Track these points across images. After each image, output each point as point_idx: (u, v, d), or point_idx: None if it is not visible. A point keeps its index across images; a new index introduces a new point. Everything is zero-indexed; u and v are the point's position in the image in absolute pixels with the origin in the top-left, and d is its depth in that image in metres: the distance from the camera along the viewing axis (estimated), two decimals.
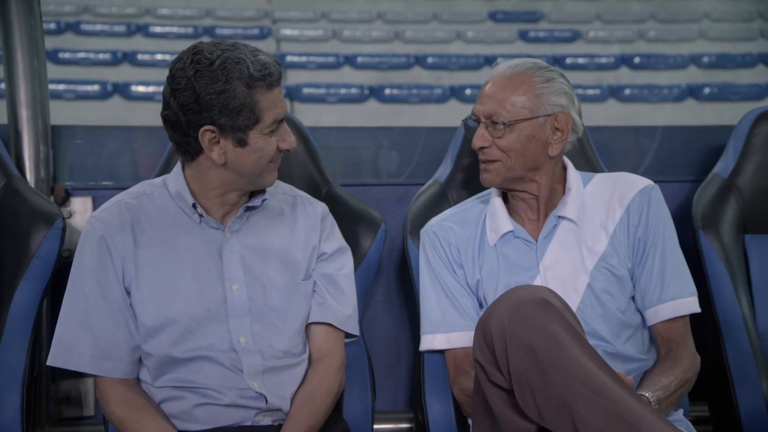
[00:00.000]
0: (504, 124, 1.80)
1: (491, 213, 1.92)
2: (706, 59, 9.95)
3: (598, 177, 1.94)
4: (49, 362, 1.71)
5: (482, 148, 1.83)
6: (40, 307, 1.93)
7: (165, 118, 1.65)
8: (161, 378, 1.70)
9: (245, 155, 1.65)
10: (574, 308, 1.79)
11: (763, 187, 2.23)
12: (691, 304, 1.85)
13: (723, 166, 2.28)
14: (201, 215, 1.72)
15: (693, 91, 9.54)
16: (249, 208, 1.76)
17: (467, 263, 1.90)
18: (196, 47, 1.63)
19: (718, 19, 10.48)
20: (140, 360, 1.72)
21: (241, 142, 1.63)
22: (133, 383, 1.72)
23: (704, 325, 2.00)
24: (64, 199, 2.30)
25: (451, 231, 1.93)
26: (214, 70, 1.59)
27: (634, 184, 1.89)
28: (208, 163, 1.67)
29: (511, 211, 1.91)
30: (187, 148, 1.66)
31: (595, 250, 1.85)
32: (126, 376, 1.70)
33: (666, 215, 1.88)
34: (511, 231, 1.88)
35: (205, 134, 1.62)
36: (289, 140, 1.70)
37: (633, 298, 1.87)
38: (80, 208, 2.31)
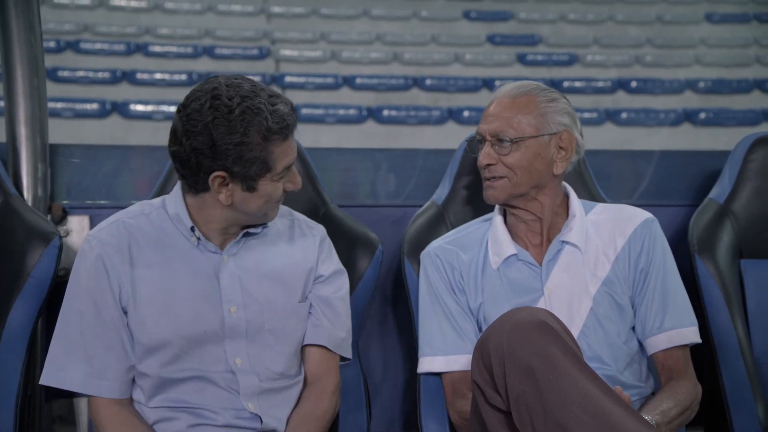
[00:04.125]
0: (511, 141, 1.82)
1: (493, 236, 1.93)
2: (702, 84, 10.02)
3: (600, 207, 1.96)
4: (42, 381, 1.70)
5: (488, 165, 1.85)
6: (35, 326, 1.92)
7: (174, 153, 1.64)
8: (155, 398, 1.69)
9: (252, 199, 1.65)
10: (576, 331, 1.81)
11: (758, 213, 2.24)
12: (691, 334, 1.86)
13: (719, 191, 2.29)
14: (198, 239, 1.72)
15: (689, 116, 9.60)
16: (248, 234, 1.76)
17: (469, 287, 1.90)
18: (215, 89, 1.60)
19: (715, 45, 10.56)
20: (134, 380, 1.72)
21: (251, 188, 1.64)
22: (127, 403, 1.71)
23: (700, 350, 2.00)
24: (61, 218, 2.29)
25: (454, 254, 1.93)
26: (233, 119, 1.58)
27: (636, 215, 1.92)
28: (213, 201, 1.67)
29: (514, 235, 1.92)
30: (193, 185, 1.66)
31: (598, 275, 1.86)
32: (120, 396, 1.69)
33: (667, 247, 1.91)
34: (515, 254, 1.89)
35: (216, 179, 1.62)
36: (296, 182, 1.71)
37: (633, 328, 1.88)
38: (77, 226, 2.30)
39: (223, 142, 1.58)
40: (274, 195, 1.67)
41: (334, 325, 1.81)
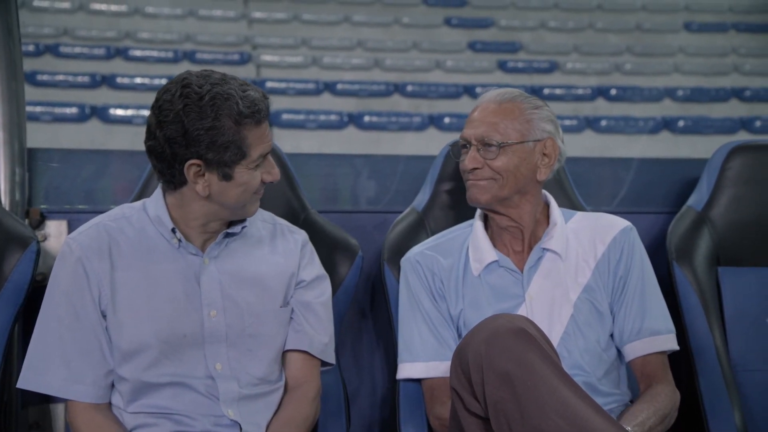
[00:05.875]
0: (498, 145, 1.83)
1: (474, 243, 1.93)
2: (680, 92, 10.10)
3: (579, 215, 1.98)
4: (20, 384, 1.68)
5: (474, 169, 1.85)
6: (12, 332, 1.90)
7: (149, 148, 1.64)
8: (135, 403, 1.68)
9: (230, 188, 1.65)
10: (557, 338, 1.82)
11: (736, 220, 2.26)
12: (669, 341, 1.88)
13: (697, 199, 2.31)
14: (180, 240, 1.71)
15: (668, 124, 9.67)
16: (228, 235, 1.76)
17: (450, 294, 1.91)
18: (185, 79, 1.62)
19: (693, 54, 10.66)
20: (113, 385, 1.71)
21: (227, 177, 1.63)
22: (105, 408, 1.70)
23: (678, 357, 2.01)
24: (39, 223, 2.28)
25: (434, 260, 1.93)
26: (203, 105, 1.59)
27: (615, 223, 1.93)
28: (192, 194, 1.67)
29: (495, 241, 1.93)
30: (170, 179, 1.66)
31: (579, 282, 1.87)
32: (98, 401, 1.68)
33: (645, 255, 1.93)
34: (496, 261, 1.90)
35: (191, 168, 1.62)
36: (274, 173, 1.70)
37: (611, 335, 1.89)
38: (55, 231, 2.29)
39: (194, 128, 1.58)
40: (251, 184, 1.67)
41: (316, 330, 1.81)
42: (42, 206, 2.31)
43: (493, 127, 1.84)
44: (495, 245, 1.92)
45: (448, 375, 1.75)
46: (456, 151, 1.94)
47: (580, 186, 2.30)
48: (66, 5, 9.95)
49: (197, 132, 1.59)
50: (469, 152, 1.86)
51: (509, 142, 1.83)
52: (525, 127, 1.85)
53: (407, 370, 1.92)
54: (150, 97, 1.69)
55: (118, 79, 9.14)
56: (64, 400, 1.70)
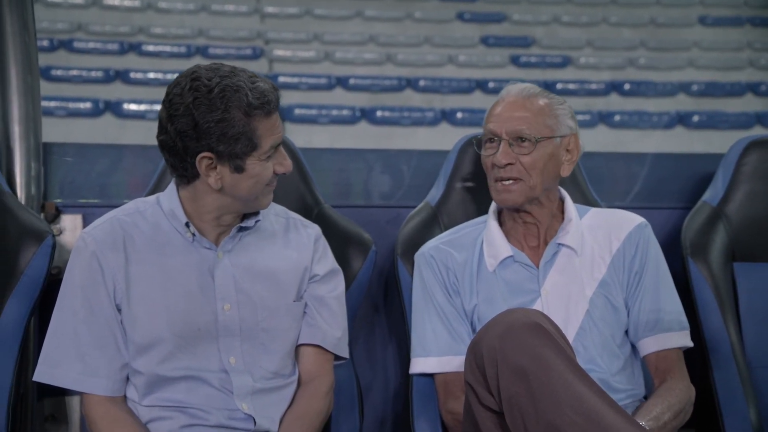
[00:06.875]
0: (534, 140, 1.82)
1: (488, 239, 1.93)
2: (695, 87, 10.04)
3: (593, 211, 1.97)
4: (36, 378, 1.70)
5: (507, 164, 1.83)
6: (28, 325, 1.91)
7: (161, 142, 1.65)
8: (149, 397, 1.69)
9: (242, 180, 1.65)
10: (573, 333, 1.82)
11: (751, 216, 2.25)
12: (683, 337, 1.88)
13: (712, 194, 2.30)
14: (194, 234, 1.72)
15: (682, 119, 9.62)
16: (242, 229, 1.76)
17: (464, 289, 1.91)
18: (194, 72, 1.63)
19: (708, 48, 10.59)
20: (127, 378, 1.71)
21: (239, 169, 1.64)
22: (120, 401, 1.71)
23: (692, 353, 2.00)
24: (55, 217, 2.29)
25: (449, 255, 1.93)
26: (212, 98, 1.59)
27: (630, 219, 1.93)
28: (204, 188, 1.67)
29: (510, 237, 1.92)
30: (183, 173, 1.66)
31: (595, 277, 1.87)
32: (113, 394, 1.69)
33: (659, 251, 1.93)
34: (511, 256, 1.89)
35: (203, 161, 1.62)
36: (286, 164, 1.71)
37: (626, 331, 1.88)
38: (70, 225, 2.30)
39: (204, 121, 1.59)
40: (263, 176, 1.67)
41: (329, 324, 1.81)
42: (57, 200, 2.33)
43: (524, 121, 1.83)
44: (509, 240, 1.92)
45: (461, 370, 1.75)
46: (479, 144, 1.92)
47: (594, 181, 2.29)
48: (80, 0, 9.98)
49: (207, 124, 1.59)
50: (501, 147, 1.84)
51: (543, 137, 1.83)
52: (554, 122, 1.85)
53: (420, 364, 1.92)
54: (163, 92, 1.70)
55: (132, 74, 9.16)
56: (80, 393, 1.71)
